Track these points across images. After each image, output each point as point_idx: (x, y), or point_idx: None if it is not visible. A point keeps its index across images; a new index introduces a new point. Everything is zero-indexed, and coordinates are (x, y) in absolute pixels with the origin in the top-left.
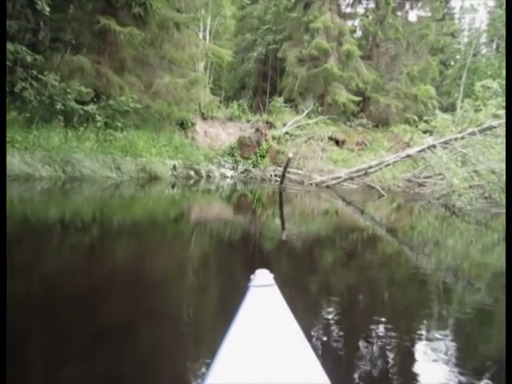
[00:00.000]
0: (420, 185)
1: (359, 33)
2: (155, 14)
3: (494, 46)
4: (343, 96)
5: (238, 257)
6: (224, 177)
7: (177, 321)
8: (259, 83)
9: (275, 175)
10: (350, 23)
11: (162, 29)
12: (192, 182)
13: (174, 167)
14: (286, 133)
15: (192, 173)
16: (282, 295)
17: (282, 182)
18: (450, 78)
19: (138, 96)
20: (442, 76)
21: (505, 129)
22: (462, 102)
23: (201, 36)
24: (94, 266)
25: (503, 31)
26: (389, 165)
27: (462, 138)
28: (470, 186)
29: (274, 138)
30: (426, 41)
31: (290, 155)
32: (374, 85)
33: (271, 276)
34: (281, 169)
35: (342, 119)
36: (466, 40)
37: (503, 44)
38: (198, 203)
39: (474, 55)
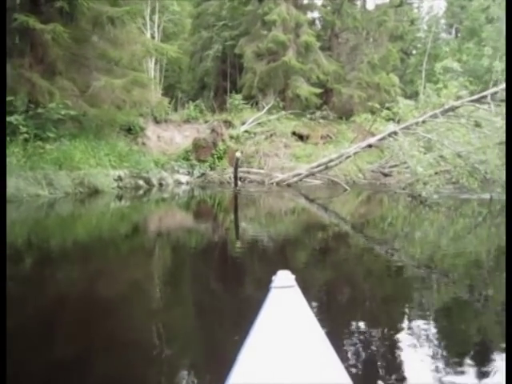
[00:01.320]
0: (386, 175)
1: (318, 24)
2: (83, 8)
3: (454, 31)
4: (304, 89)
5: (194, 269)
6: (179, 183)
7: (138, 349)
8: (219, 82)
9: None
10: (309, 15)
11: (96, 25)
12: (142, 192)
13: (120, 178)
14: (246, 131)
15: (141, 182)
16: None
17: (236, 185)
18: (413, 66)
19: (73, 101)
20: (405, 65)
21: (468, 108)
22: (424, 87)
23: (148, 34)
24: (36, 297)
25: (461, 15)
26: (349, 157)
27: (424, 121)
28: (437, 173)
29: (231, 137)
30: (384, 28)
31: (238, 154)
32: (336, 76)
33: (292, 277)
34: (241, 169)
35: (305, 113)
36: (425, 27)
37: (461, 27)
38: (151, 214)
39: (434, 41)
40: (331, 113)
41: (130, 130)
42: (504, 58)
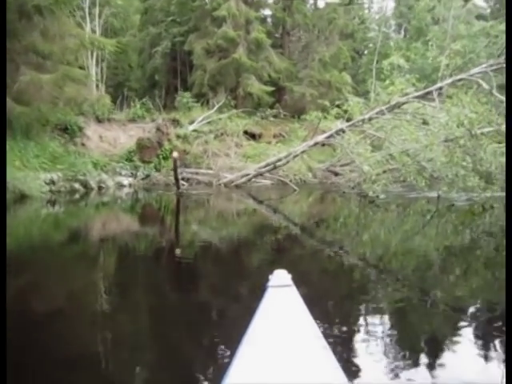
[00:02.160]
0: (337, 174)
1: (269, 21)
2: None
3: (403, 31)
4: (256, 87)
5: (137, 278)
6: (120, 186)
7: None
8: (170, 80)
9: (182, 178)
10: (260, 12)
11: (23, 15)
12: (78, 196)
13: (52, 181)
14: (195, 130)
15: (77, 185)
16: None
17: (178, 187)
18: (365, 66)
19: None
20: (358, 65)
21: (414, 105)
22: (374, 86)
23: (88, 28)
24: None
25: (409, 15)
26: (297, 156)
27: (371, 119)
28: (385, 171)
29: (179, 136)
30: (334, 25)
31: (175, 155)
32: (288, 74)
33: (289, 276)
34: (189, 170)
35: (257, 112)
36: (376, 27)
37: (409, 27)
38: (89, 220)
39: (384, 41)
40: (284, 111)
41: (66, 130)
42: (449, 55)
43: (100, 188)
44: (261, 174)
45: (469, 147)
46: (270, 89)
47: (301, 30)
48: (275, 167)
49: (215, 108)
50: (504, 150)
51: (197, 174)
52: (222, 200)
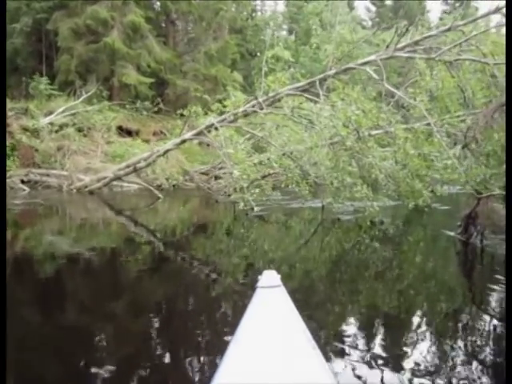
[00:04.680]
0: (216, 178)
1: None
2: None
3: (294, 33)
4: (133, 77)
5: None
6: None
7: None
8: (35, 64)
9: (28, 181)
10: None
11: None
12: None
13: None
14: (51, 123)
15: None
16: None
17: None
18: (257, 67)
19: None
20: (250, 67)
21: (298, 100)
22: (261, 83)
23: None
24: None
25: (298, 16)
26: (160, 155)
27: (246, 114)
28: (265, 176)
29: (27, 130)
30: (222, 18)
31: None
32: (171, 66)
33: (278, 277)
34: (38, 171)
35: (134, 105)
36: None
37: (298, 28)
38: None
39: (274, 42)
40: (165, 106)
41: None
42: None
43: None
44: (119, 178)
45: (356, 150)
46: (149, 80)
47: (188, 22)
48: (136, 169)
49: (81, 98)
50: (393, 153)
51: (48, 175)
52: (74, 208)
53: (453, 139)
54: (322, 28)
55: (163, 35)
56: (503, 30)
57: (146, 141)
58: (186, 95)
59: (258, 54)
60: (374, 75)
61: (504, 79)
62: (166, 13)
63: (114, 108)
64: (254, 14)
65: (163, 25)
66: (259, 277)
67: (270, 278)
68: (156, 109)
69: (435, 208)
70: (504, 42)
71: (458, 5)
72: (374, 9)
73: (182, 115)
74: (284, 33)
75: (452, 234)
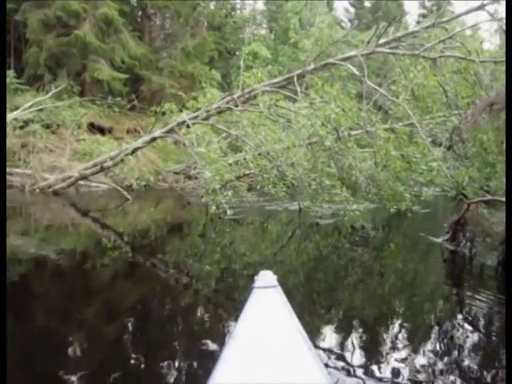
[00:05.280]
0: (191, 178)
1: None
2: None
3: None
4: (106, 73)
5: None
6: None
7: None
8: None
9: None
10: None
11: None
12: None
13: None
14: (15, 119)
15: None
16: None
17: None
18: (236, 66)
19: None
20: (230, 66)
21: (275, 97)
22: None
23: None
24: None
25: (277, 15)
26: (128, 154)
27: (220, 111)
28: (239, 177)
29: None
30: (199, 13)
31: None
32: (146, 62)
33: (274, 277)
34: None
35: (107, 102)
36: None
37: (277, 27)
38: None
39: (253, 40)
40: (140, 103)
41: None
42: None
43: None
44: (85, 178)
45: (335, 150)
46: (123, 76)
47: (166, 18)
48: (103, 169)
49: (50, 93)
50: (373, 155)
51: (11, 174)
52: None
53: (434, 140)
54: (301, 27)
55: (138, 30)
56: (486, 27)
57: (120, 139)
58: (162, 92)
59: (237, 52)
60: (355, 71)
61: (489, 77)
62: (141, 7)
63: (85, 104)
64: (233, 13)
65: (139, 20)
66: (255, 277)
67: (266, 279)
68: (130, 106)
69: (416, 212)
70: (488, 40)
71: (435, 8)
72: (352, 10)
73: (156, 112)
74: (263, 32)
75: (439, 240)
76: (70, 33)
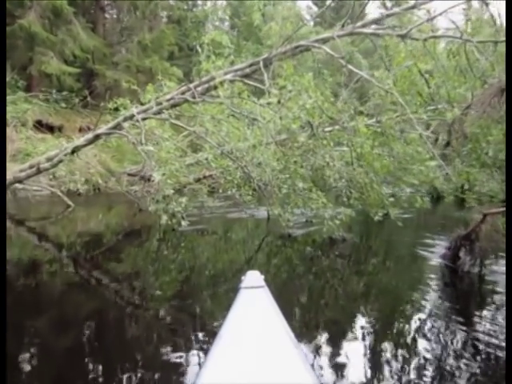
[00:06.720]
0: (148, 180)
1: None
2: None
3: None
4: (54, 66)
5: None
6: None
7: None
8: None
9: None
10: None
11: None
12: None
13: None
14: None
15: None
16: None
17: None
18: (198, 63)
19: None
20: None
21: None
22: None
23: None
24: None
25: (240, 9)
26: (67, 153)
27: (174, 104)
28: (198, 179)
29: None
30: (155, 5)
31: None
32: (100, 55)
33: (262, 277)
34: None
35: (56, 98)
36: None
37: (240, 24)
38: None
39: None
40: (93, 100)
41: None
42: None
43: None
44: (20, 181)
45: (309, 148)
46: (74, 70)
47: (122, 10)
48: (40, 171)
49: None
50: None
51: None
52: None
53: (428, 135)
54: (264, 23)
55: (92, 22)
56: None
57: (70, 138)
58: (117, 88)
59: (199, 48)
60: (332, 53)
61: (487, 60)
62: None
63: (31, 100)
64: (194, 9)
65: (92, 11)
66: (242, 277)
67: (253, 279)
68: (83, 103)
69: (399, 216)
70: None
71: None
72: (315, 9)
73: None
74: (226, 28)
75: (436, 258)
76: (14, 22)
